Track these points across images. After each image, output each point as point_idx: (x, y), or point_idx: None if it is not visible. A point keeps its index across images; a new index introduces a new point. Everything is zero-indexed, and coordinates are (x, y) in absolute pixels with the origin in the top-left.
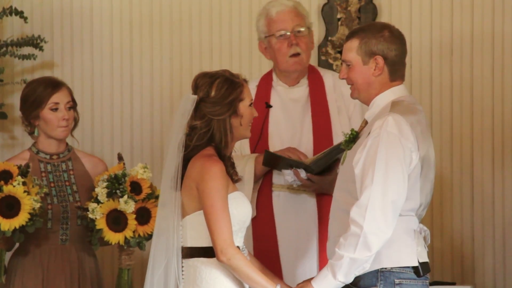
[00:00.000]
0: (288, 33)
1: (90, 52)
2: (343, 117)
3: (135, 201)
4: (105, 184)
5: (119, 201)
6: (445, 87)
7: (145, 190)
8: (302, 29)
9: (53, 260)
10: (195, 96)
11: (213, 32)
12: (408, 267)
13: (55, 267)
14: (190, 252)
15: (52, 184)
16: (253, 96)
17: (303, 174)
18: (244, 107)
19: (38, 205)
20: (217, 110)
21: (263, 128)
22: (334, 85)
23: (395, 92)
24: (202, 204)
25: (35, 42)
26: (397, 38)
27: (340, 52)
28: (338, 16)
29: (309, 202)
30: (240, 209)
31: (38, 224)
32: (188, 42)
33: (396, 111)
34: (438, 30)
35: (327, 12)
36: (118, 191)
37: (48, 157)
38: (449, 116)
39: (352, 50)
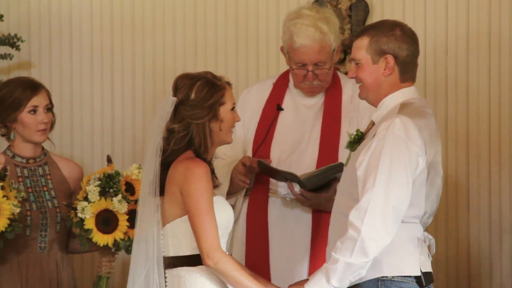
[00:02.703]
0: (308, 68)
1: (69, 51)
2: (353, 129)
3: (128, 202)
4: (97, 182)
5: (112, 200)
6: (439, 89)
7: (139, 191)
8: (323, 65)
9: (32, 269)
10: (175, 98)
11: (197, 31)
12: (410, 276)
13: (34, 276)
14: (173, 262)
15: (30, 190)
16: (268, 95)
17: (297, 188)
18: (225, 111)
19: (17, 210)
20: (196, 114)
21: (269, 131)
22: (352, 95)
23: (405, 94)
24: (186, 207)
25: (11, 41)
26: (409, 37)
27: None
28: None
29: (305, 209)
30: (222, 214)
31: (18, 229)
32: (171, 41)
33: (405, 113)
34: (432, 29)
35: None
36: (111, 189)
37: (24, 161)
38: (444, 119)
39: (362, 48)
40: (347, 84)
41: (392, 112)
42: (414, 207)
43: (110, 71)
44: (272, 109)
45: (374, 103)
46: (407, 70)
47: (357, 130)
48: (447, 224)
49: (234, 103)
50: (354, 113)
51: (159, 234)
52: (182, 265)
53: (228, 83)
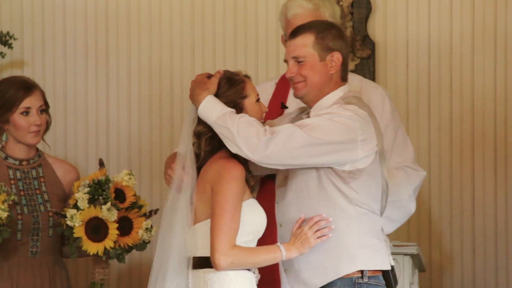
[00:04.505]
0: None
1: (63, 50)
2: None
3: (118, 209)
4: (86, 189)
5: (101, 208)
6: (444, 89)
7: (129, 199)
8: None
9: (23, 274)
10: None
11: (195, 28)
12: (382, 272)
13: (25, 282)
14: (200, 262)
15: (22, 193)
16: (271, 95)
17: None
18: (250, 104)
19: (5, 214)
20: None
21: None
22: (360, 92)
23: (343, 90)
24: (212, 205)
25: (3, 39)
26: (345, 36)
27: None
28: None
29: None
30: (255, 217)
31: (6, 234)
32: (168, 39)
33: (353, 103)
34: (437, 27)
35: None
36: (100, 197)
37: (17, 163)
38: (449, 120)
39: (307, 45)
40: (354, 81)
41: (334, 104)
42: (374, 198)
43: (105, 69)
44: (276, 107)
45: (313, 101)
46: (345, 69)
47: None
48: (451, 226)
49: (258, 95)
50: None
51: (186, 235)
52: (210, 266)
53: (247, 76)
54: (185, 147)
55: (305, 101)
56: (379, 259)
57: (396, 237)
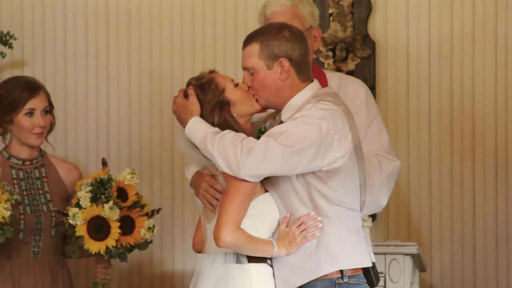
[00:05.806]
0: None
1: (63, 50)
2: None
3: (121, 208)
4: (89, 188)
5: (103, 206)
6: (444, 88)
7: (132, 197)
8: None
9: (25, 274)
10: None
11: (195, 28)
12: (363, 270)
13: (26, 281)
14: (242, 257)
15: (24, 193)
16: None
17: None
18: (231, 92)
19: (8, 213)
20: (216, 118)
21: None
22: (338, 87)
23: (312, 88)
24: (226, 184)
25: (3, 39)
26: (298, 37)
27: (332, 50)
28: (330, 11)
29: None
30: (272, 213)
31: (9, 233)
32: (168, 38)
33: (324, 100)
34: (437, 26)
35: (318, 7)
36: (103, 196)
37: (20, 162)
38: (449, 119)
39: (253, 55)
40: (333, 78)
41: (305, 103)
42: (353, 195)
43: (105, 69)
44: None
45: (279, 105)
46: (303, 70)
47: (261, 128)
48: (452, 229)
49: (232, 79)
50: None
51: None
52: (232, 262)
53: (212, 71)
54: (198, 164)
55: (271, 108)
56: (360, 256)
57: (396, 237)
